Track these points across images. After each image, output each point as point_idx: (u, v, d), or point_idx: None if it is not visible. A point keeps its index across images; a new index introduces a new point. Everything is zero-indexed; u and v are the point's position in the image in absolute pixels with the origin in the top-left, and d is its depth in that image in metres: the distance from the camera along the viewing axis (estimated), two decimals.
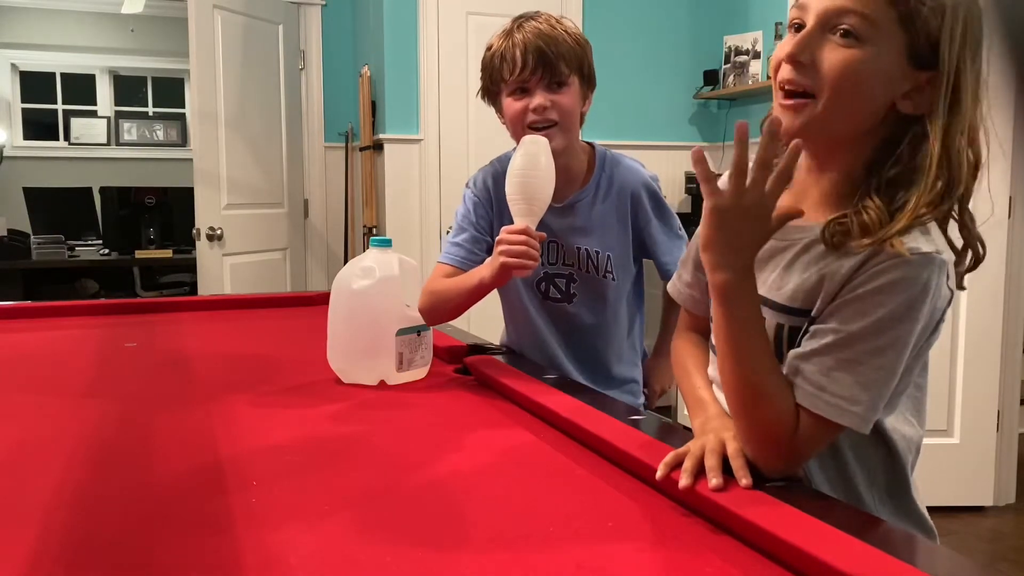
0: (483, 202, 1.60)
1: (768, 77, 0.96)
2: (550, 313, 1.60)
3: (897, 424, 0.93)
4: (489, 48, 1.55)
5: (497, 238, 1.39)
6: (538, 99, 1.48)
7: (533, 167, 1.37)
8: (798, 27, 0.90)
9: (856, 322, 0.84)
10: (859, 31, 0.85)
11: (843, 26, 0.86)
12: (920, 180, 0.85)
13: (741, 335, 0.87)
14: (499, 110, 1.59)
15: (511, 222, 1.40)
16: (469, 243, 1.57)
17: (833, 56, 0.86)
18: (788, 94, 0.90)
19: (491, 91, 1.57)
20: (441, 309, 1.49)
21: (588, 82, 1.55)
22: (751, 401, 0.87)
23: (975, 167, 0.87)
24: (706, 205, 0.86)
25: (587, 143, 1.62)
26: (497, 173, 1.59)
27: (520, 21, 1.52)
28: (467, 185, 1.65)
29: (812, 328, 0.88)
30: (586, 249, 1.56)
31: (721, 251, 0.86)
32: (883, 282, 0.83)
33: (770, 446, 0.87)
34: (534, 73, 1.48)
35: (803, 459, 0.89)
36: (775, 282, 0.93)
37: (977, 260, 0.90)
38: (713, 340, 0.97)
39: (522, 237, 1.34)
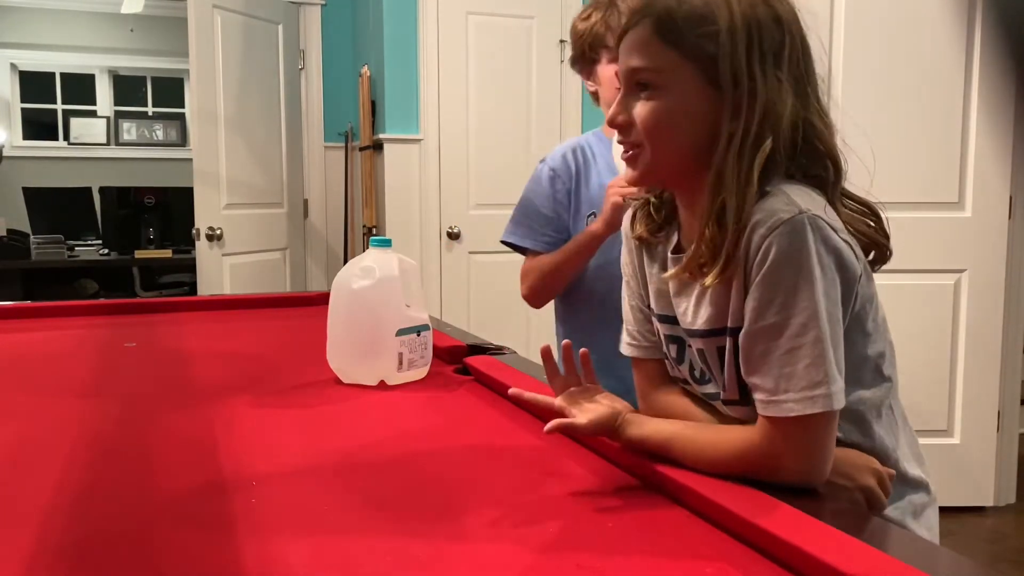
0: (561, 175, 1.66)
1: None
2: None
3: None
4: (586, 18, 1.61)
5: (608, 186, 1.49)
6: None
7: None
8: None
9: (767, 316, 0.86)
10: (653, 82, 0.91)
11: (640, 82, 0.92)
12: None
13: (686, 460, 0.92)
14: (590, 78, 1.66)
15: (592, 193, 1.54)
16: (547, 226, 1.65)
17: (642, 111, 0.92)
18: (624, 148, 0.96)
19: (588, 59, 1.63)
20: (549, 281, 1.63)
21: None
22: (736, 467, 0.88)
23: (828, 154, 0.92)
24: None
25: None
26: (575, 145, 1.69)
27: None
28: (541, 161, 1.72)
29: (740, 339, 0.89)
30: None
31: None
32: (766, 269, 0.86)
33: (781, 471, 0.86)
34: None
35: (820, 461, 0.87)
36: (690, 314, 0.97)
37: (880, 253, 0.95)
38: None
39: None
